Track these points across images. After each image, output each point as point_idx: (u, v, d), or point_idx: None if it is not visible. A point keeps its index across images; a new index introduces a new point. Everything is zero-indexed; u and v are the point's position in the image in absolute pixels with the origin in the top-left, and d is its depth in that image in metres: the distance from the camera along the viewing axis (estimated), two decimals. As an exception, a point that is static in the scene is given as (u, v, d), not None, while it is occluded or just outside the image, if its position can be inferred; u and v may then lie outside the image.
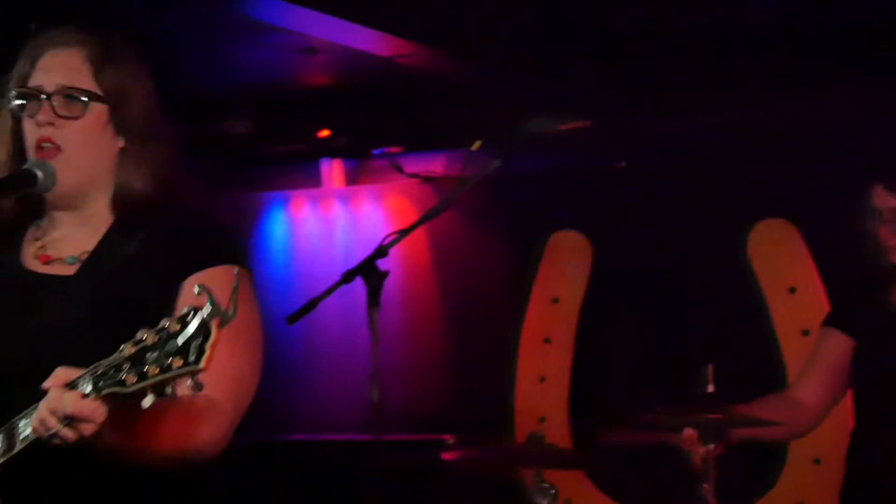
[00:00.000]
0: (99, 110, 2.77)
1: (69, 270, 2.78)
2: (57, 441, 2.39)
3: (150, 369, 2.27)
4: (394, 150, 7.96)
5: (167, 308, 2.62)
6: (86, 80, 2.77)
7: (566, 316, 7.44)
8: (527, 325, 7.53)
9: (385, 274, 4.33)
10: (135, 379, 2.29)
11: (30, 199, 2.82)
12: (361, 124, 7.72)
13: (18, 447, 2.46)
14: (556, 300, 7.48)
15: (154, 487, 2.69)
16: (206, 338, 2.24)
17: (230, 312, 2.26)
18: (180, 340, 2.25)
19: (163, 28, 5.79)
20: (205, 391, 2.51)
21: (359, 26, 5.74)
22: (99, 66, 2.78)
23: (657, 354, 7.01)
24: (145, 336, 2.29)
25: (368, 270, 4.33)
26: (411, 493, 6.41)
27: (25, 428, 2.44)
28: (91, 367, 2.35)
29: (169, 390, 2.31)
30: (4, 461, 2.49)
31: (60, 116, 2.74)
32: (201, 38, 6.18)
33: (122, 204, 2.81)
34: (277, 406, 6.69)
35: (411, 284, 7.75)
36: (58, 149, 2.75)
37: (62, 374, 2.38)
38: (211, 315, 2.25)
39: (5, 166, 2.81)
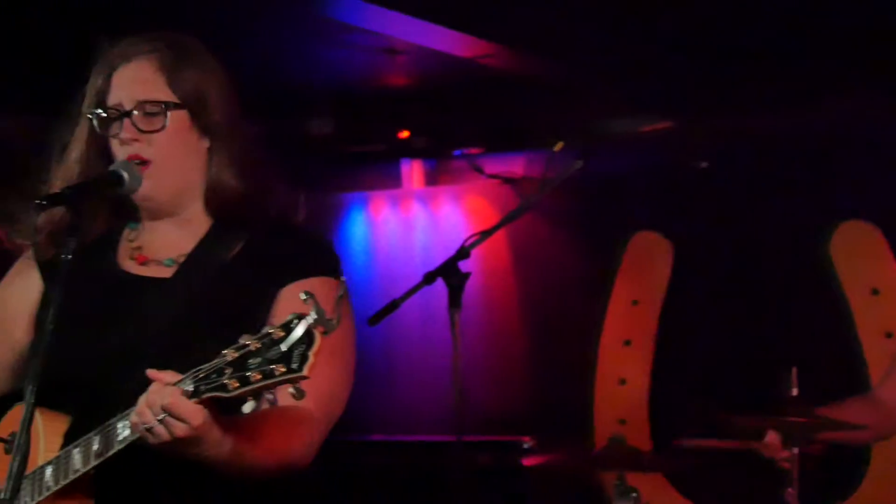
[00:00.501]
0: (179, 117, 2.78)
1: (166, 272, 2.80)
2: (151, 439, 2.40)
3: (253, 375, 2.28)
4: (474, 150, 7.96)
5: (263, 314, 2.66)
6: (161, 90, 2.77)
7: (646, 318, 7.40)
8: (607, 328, 7.49)
9: (467, 275, 4.34)
10: (237, 384, 2.29)
11: (124, 201, 2.84)
12: (442, 125, 7.72)
13: (115, 448, 2.48)
14: (636, 302, 7.45)
15: (245, 492, 2.70)
16: (310, 345, 2.25)
17: (334, 321, 2.27)
18: (284, 347, 2.26)
19: (246, 29, 5.83)
20: (300, 402, 2.54)
21: (440, 27, 5.74)
22: (172, 73, 2.78)
23: (738, 357, 6.95)
24: (249, 342, 2.30)
25: (450, 272, 4.34)
26: (490, 495, 6.42)
27: (123, 430, 2.46)
28: (193, 371, 2.36)
29: (271, 396, 2.32)
30: (101, 462, 2.51)
31: (143, 132, 2.76)
32: (283, 39, 6.21)
33: (216, 202, 2.83)
34: (356, 406, 6.68)
35: (491, 286, 7.73)
36: (147, 163, 2.76)
37: (164, 376, 2.40)
38: (315, 323, 2.25)
39: (82, 175, 2.82)
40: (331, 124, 7.59)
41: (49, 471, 2.58)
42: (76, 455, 2.54)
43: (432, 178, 8.28)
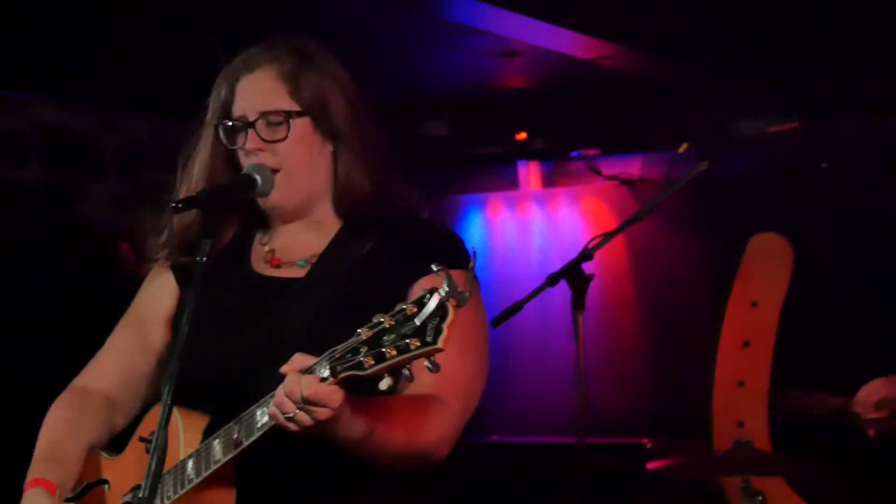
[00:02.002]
0: (303, 124, 2.81)
1: (300, 273, 2.85)
2: (293, 427, 2.43)
3: (388, 351, 2.29)
4: (591, 152, 7.94)
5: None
6: (282, 99, 2.81)
7: (766, 319, 7.32)
8: (725, 329, 7.42)
9: (590, 277, 4.34)
10: (373, 361, 2.31)
11: (256, 205, 2.88)
12: (559, 126, 7.71)
13: (256, 435, 2.51)
14: (755, 303, 7.36)
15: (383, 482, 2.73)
16: (443, 318, 2.26)
17: (466, 294, 2.27)
18: (417, 321, 2.27)
19: (363, 31, 5.87)
20: (434, 391, 2.56)
21: (560, 29, 5.73)
22: (293, 81, 2.81)
23: (860, 359, 6.86)
24: (382, 319, 2.32)
25: (573, 273, 4.34)
26: (610, 497, 6.40)
27: (262, 416, 2.50)
28: (328, 352, 2.39)
29: (407, 372, 2.33)
30: (241, 451, 2.55)
31: (267, 141, 2.80)
32: (401, 42, 6.24)
33: (345, 203, 2.87)
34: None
35: (609, 287, 7.72)
36: (274, 171, 2.81)
37: (299, 359, 2.43)
38: (447, 296, 2.26)
39: (207, 182, 2.87)
40: (449, 127, 7.61)
41: (190, 463, 2.63)
42: (217, 446, 2.58)
43: (550, 180, 8.28)
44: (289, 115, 2.80)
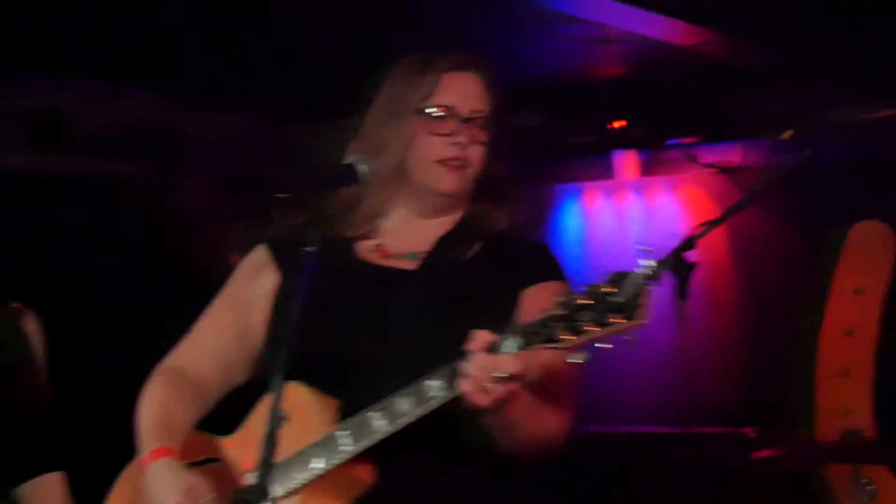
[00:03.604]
0: (492, 131, 2.95)
1: (409, 265, 2.89)
2: (484, 399, 2.52)
3: (586, 326, 2.42)
4: (689, 140, 7.87)
5: (507, 313, 2.79)
6: (487, 104, 2.93)
7: (869, 307, 7.24)
8: (828, 318, 7.34)
9: (693, 266, 4.29)
10: (570, 336, 2.44)
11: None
12: (656, 114, 7.66)
13: (426, 407, 2.61)
14: (858, 291, 7.28)
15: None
16: (641, 296, 2.40)
17: (659, 276, 2.42)
18: (615, 299, 2.40)
19: (458, 19, 5.86)
20: (550, 384, 2.62)
21: (658, 15, 5.69)
22: (491, 91, 2.94)
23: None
24: (572, 297, 2.44)
25: (676, 262, 4.29)
26: (714, 486, 6.34)
27: (433, 389, 2.60)
28: (511, 328, 2.52)
29: (611, 346, 2.45)
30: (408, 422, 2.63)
31: (476, 141, 2.91)
32: (496, 31, 6.23)
33: (482, 207, 2.99)
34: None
35: (710, 276, 7.65)
36: (464, 166, 2.89)
37: (483, 336, 2.53)
38: (645, 274, 2.41)
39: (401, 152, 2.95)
40: (543, 116, 7.60)
41: (342, 436, 2.69)
42: (377, 417, 2.65)
43: (646, 169, 8.22)
44: (491, 119, 2.92)
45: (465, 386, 2.53)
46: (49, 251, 6.50)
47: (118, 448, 4.19)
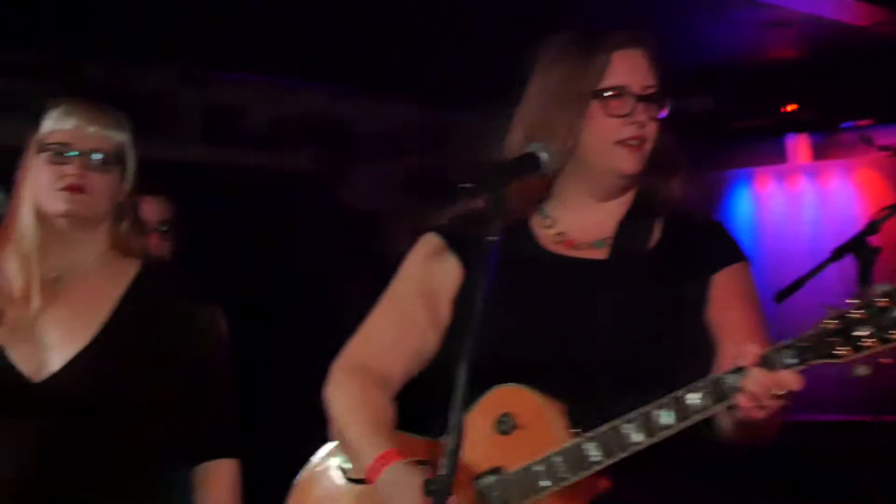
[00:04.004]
0: (664, 106, 2.87)
1: (599, 254, 2.85)
2: (760, 414, 2.50)
3: (866, 341, 2.38)
4: (863, 122, 7.71)
5: (698, 301, 2.74)
6: (655, 80, 2.85)
7: None
8: None
9: (877, 250, 4.22)
10: (847, 351, 2.40)
11: (541, 182, 2.89)
12: (830, 97, 7.52)
13: (691, 420, 2.57)
14: None
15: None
16: None
17: None
18: (893, 314, 2.37)
19: (628, 4, 5.81)
20: None
21: (834, -5, 5.60)
22: (656, 65, 2.86)
23: None
24: (849, 311, 2.41)
25: (860, 247, 4.21)
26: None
27: (694, 399, 2.56)
28: (786, 342, 2.47)
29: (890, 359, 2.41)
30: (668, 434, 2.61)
31: (651, 118, 2.83)
32: (666, 15, 6.17)
33: (651, 184, 2.90)
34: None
35: (893, 261, 7.47)
36: (641, 145, 2.84)
37: (754, 351, 2.50)
38: None
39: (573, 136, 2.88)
40: (714, 100, 7.52)
41: (591, 446, 2.64)
42: (630, 429, 2.61)
43: (819, 152, 8.10)
44: (661, 95, 2.84)
45: (743, 402, 2.51)
46: (224, 243, 6.60)
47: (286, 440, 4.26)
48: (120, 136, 3.25)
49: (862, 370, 2.42)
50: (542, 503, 2.68)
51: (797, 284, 4.34)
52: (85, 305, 3.19)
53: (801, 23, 6.20)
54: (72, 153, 3.18)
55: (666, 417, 2.59)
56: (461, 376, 2.50)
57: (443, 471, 2.45)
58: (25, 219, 3.20)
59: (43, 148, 3.20)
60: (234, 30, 6.23)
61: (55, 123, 3.22)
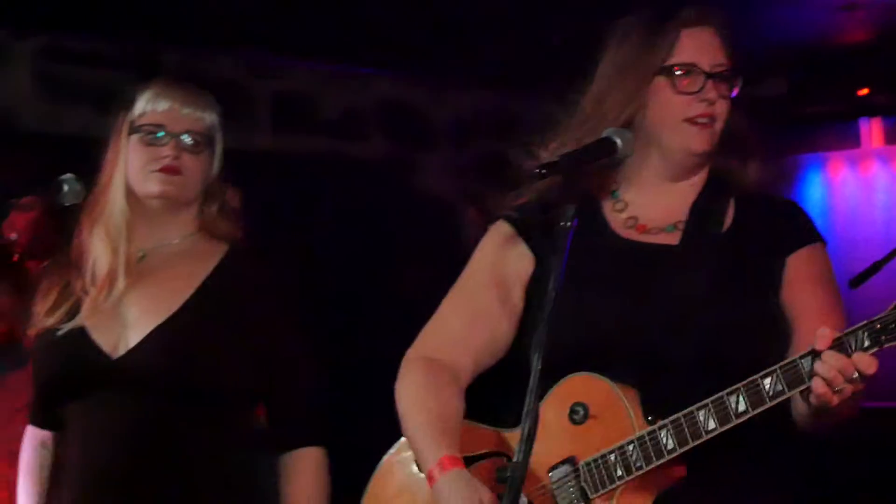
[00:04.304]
0: (736, 85, 2.85)
1: (671, 239, 2.82)
2: (836, 399, 2.49)
3: None
4: (937, 106, 7.63)
5: (776, 279, 2.73)
6: (726, 58, 2.84)
7: None
8: None
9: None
10: None
11: (611, 167, 2.89)
12: (904, 80, 7.45)
13: (767, 404, 2.56)
14: None
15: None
16: None
17: None
18: None
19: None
20: None
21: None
22: (728, 43, 2.86)
23: None
24: None
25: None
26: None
27: (774, 385, 2.55)
28: (864, 325, 2.46)
29: None
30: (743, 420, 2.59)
31: (721, 96, 2.82)
32: (739, 1, 6.12)
33: (722, 163, 2.90)
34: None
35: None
36: (711, 123, 2.82)
37: (828, 335, 2.49)
38: None
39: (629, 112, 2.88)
40: (786, 85, 7.46)
41: (664, 434, 2.63)
42: (704, 416, 2.60)
43: (892, 137, 8.01)
44: (734, 73, 2.84)
45: (817, 387, 2.49)
46: (294, 233, 6.61)
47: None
48: (211, 118, 3.28)
49: None
50: (615, 493, 2.68)
51: (872, 270, 4.30)
52: (168, 285, 3.20)
53: (874, 6, 6.13)
54: (166, 135, 3.20)
55: (740, 403, 2.57)
56: (535, 364, 2.49)
57: (517, 458, 2.45)
58: (116, 200, 3.23)
59: (135, 129, 3.22)
60: (305, 18, 6.24)
61: (148, 105, 3.23)
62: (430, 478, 2.77)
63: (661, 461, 2.63)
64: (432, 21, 6.31)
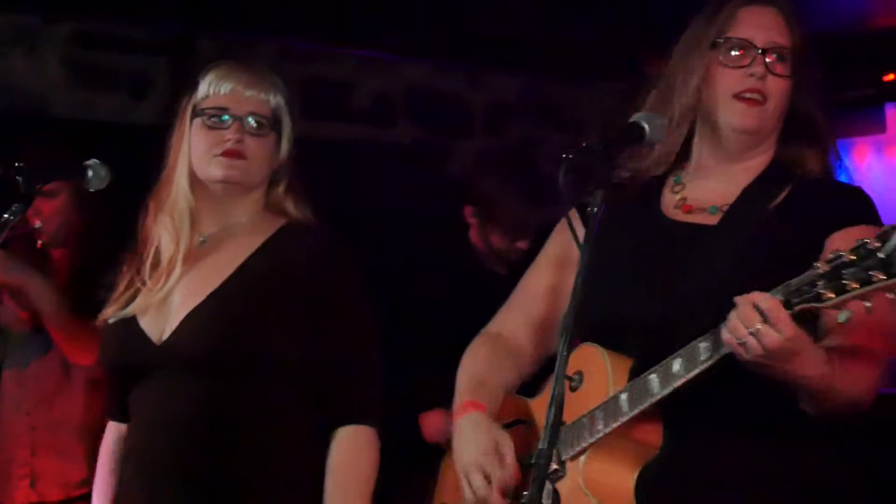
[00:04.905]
0: (795, 64, 2.88)
1: (711, 220, 2.85)
2: (745, 355, 2.49)
3: (849, 284, 2.33)
4: (964, 92, 7.60)
5: (813, 261, 2.67)
6: (786, 39, 2.87)
7: None
8: None
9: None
10: (832, 294, 2.36)
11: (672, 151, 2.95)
12: (931, 66, 7.42)
13: (699, 368, 2.58)
14: None
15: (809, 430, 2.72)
16: None
17: None
18: (881, 255, 2.29)
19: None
20: (863, 340, 2.63)
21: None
22: (792, 26, 2.89)
23: None
24: (841, 253, 2.36)
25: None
26: None
27: (706, 350, 2.57)
28: (782, 286, 2.45)
29: (868, 304, 2.36)
30: (681, 384, 2.61)
31: (771, 73, 2.82)
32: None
33: (787, 147, 2.92)
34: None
35: None
36: (762, 100, 2.84)
37: (754, 294, 2.48)
38: None
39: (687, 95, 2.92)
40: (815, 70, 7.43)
41: (624, 397, 2.69)
42: (654, 380, 2.64)
43: (920, 123, 7.98)
44: (793, 52, 2.86)
45: (724, 335, 2.50)
46: (326, 220, 6.64)
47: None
48: (276, 100, 3.23)
49: (842, 316, 2.37)
50: (596, 463, 2.73)
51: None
52: (215, 265, 3.18)
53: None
54: (229, 118, 3.15)
55: (677, 366, 2.61)
56: (561, 349, 2.54)
57: (541, 444, 2.49)
58: (181, 186, 3.19)
59: (198, 113, 3.19)
60: (335, 4, 6.25)
61: (211, 87, 3.19)
62: (454, 419, 2.92)
63: (616, 424, 2.68)
64: (464, 7, 6.31)
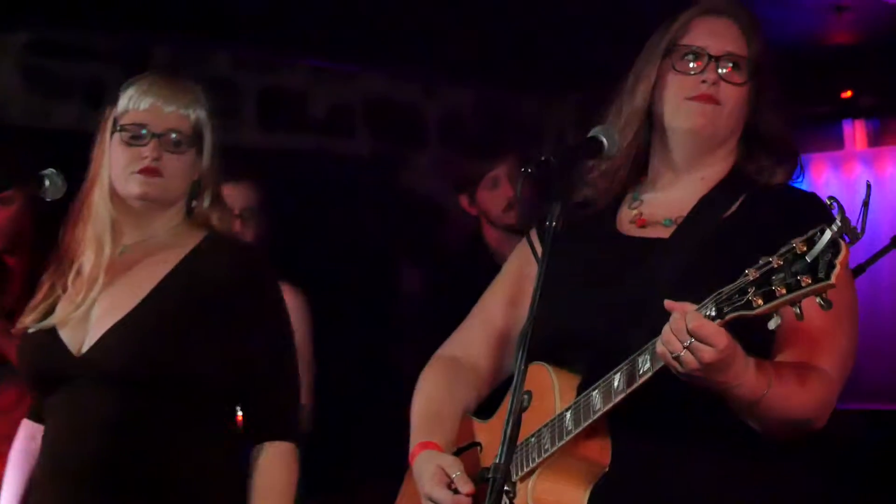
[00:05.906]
0: (749, 74, 2.82)
1: (664, 233, 2.83)
2: (680, 369, 2.44)
3: (778, 290, 2.28)
4: (922, 109, 7.66)
5: None
6: (742, 48, 2.83)
7: None
8: None
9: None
10: (761, 301, 2.31)
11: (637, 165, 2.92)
12: (888, 83, 7.46)
13: (638, 382, 2.53)
14: None
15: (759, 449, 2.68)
16: (836, 254, 2.22)
17: (859, 232, 2.24)
18: (808, 258, 2.25)
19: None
20: (812, 359, 2.56)
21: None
22: (750, 37, 2.85)
23: None
24: (769, 259, 2.31)
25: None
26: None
27: (644, 364, 2.52)
28: (714, 294, 2.40)
29: (798, 310, 2.31)
30: (621, 399, 2.56)
31: (724, 80, 2.81)
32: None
33: (747, 158, 2.88)
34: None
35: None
36: (712, 104, 2.81)
37: (685, 304, 2.43)
38: (840, 231, 2.22)
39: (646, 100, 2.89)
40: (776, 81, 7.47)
41: (568, 415, 2.65)
42: (596, 396, 2.60)
43: (876, 139, 8.03)
44: (748, 62, 2.82)
45: (658, 347, 2.45)
46: (281, 230, 6.63)
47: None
48: (196, 114, 3.20)
49: (772, 322, 2.32)
50: (547, 483, 2.70)
51: (854, 273, 4.30)
52: (135, 279, 3.16)
53: (860, 8, 6.14)
54: (147, 134, 3.13)
55: (617, 381, 2.57)
56: (518, 364, 2.52)
57: (498, 459, 2.47)
58: (102, 199, 3.18)
59: (118, 128, 3.16)
60: (292, 14, 6.24)
61: (131, 102, 3.17)
62: (411, 461, 2.89)
63: (562, 443, 2.65)
64: (421, 18, 6.31)
